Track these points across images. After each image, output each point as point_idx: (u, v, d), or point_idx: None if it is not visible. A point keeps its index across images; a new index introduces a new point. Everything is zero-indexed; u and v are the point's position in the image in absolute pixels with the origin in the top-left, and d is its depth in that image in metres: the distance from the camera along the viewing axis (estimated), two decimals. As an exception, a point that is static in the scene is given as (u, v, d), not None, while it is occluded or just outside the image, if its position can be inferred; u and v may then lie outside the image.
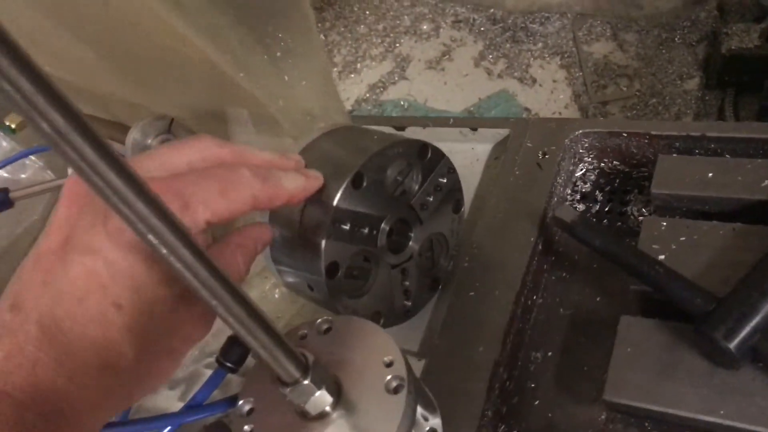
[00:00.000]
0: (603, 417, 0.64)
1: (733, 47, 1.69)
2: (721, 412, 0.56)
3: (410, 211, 0.69)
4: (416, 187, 0.70)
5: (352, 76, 2.08)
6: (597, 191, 0.83)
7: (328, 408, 0.54)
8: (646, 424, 0.62)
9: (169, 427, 0.64)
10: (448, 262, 0.75)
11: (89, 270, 0.43)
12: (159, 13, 0.62)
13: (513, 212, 0.77)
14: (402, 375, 0.55)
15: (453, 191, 0.74)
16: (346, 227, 0.63)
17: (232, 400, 0.67)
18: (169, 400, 0.77)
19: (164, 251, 0.40)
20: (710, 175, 0.71)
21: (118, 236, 0.44)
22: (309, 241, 0.63)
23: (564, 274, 0.77)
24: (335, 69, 2.10)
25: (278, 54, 0.67)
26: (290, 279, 0.68)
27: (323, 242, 0.61)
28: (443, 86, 2.02)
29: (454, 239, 0.75)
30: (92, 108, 1.08)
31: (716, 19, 1.89)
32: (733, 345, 0.55)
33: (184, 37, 0.65)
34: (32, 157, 1.34)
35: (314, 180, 0.58)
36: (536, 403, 0.68)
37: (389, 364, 0.56)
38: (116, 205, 0.37)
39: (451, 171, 0.73)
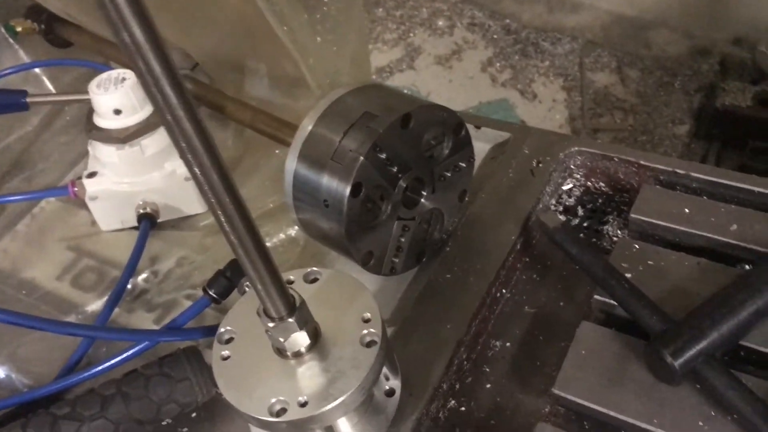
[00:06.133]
0: (546, 409, 0.70)
1: (726, 103, 1.76)
2: (655, 421, 0.62)
3: (430, 175, 0.75)
4: (443, 157, 0.75)
5: (361, 55, 2.11)
6: (579, 207, 0.88)
7: (303, 349, 0.59)
8: (585, 423, 0.67)
9: (146, 343, 0.68)
10: (439, 241, 0.80)
11: None
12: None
13: (501, 210, 0.82)
14: (378, 332, 0.59)
15: (466, 179, 0.80)
16: (382, 156, 0.68)
17: (209, 330, 0.71)
18: (144, 321, 0.80)
19: (202, 179, 0.44)
20: (686, 210, 0.77)
21: None
22: (345, 157, 0.68)
23: (534, 276, 0.82)
24: (346, 45, 2.12)
25: (318, 16, 0.70)
26: (306, 203, 0.72)
27: (361, 158, 0.66)
28: (448, 83, 2.06)
29: (451, 223, 0.80)
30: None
31: (716, 73, 1.96)
32: (678, 363, 0.61)
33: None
34: (37, 70, 1.34)
35: None
36: (488, 386, 0.73)
37: (367, 320, 0.61)
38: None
39: (471, 160, 0.79)
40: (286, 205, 0.75)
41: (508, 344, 0.76)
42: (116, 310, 0.80)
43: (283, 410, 0.56)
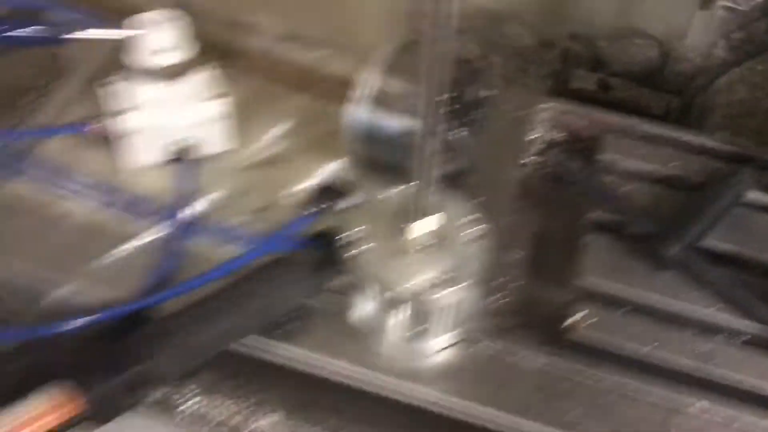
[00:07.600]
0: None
1: (575, 87, 2.09)
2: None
3: None
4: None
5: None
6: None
7: (428, 244, 0.72)
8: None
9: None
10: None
11: None
12: None
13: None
14: (483, 229, 0.74)
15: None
16: None
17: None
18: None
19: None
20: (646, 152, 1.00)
21: None
22: None
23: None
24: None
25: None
26: None
27: None
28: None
29: None
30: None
31: (561, 63, 2.29)
32: (673, 254, 0.83)
33: None
34: None
35: None
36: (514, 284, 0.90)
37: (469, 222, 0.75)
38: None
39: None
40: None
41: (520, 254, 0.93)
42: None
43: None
